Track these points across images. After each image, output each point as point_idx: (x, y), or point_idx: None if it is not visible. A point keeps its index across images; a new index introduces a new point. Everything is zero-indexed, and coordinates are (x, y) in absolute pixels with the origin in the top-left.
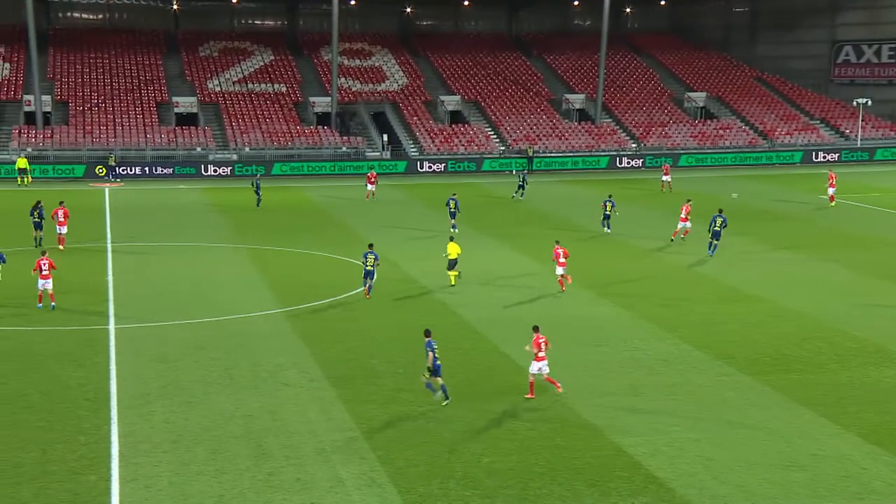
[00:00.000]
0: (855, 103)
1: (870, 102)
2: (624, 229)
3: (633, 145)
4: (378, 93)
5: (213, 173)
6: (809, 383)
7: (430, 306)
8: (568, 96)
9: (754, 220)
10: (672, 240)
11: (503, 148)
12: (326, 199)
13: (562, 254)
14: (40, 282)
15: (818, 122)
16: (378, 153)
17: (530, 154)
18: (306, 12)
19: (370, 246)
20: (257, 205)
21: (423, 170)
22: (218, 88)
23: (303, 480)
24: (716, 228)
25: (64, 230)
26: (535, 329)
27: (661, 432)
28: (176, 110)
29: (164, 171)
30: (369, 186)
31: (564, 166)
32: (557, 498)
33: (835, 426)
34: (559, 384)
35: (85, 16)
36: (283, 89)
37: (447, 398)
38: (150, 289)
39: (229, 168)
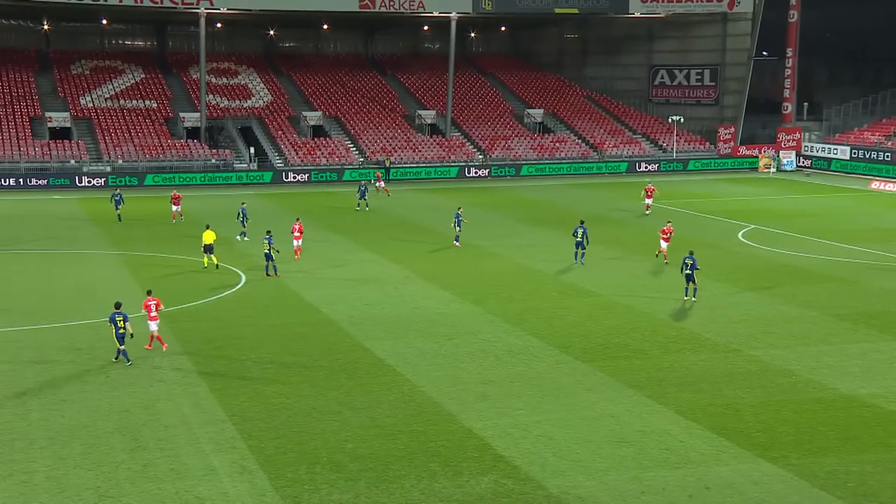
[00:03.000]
0: (670, 120)
1: (682, 119)
2: (475, 234)
3: (480, 157)
4: (244, 109)
5: (87, 184)
6: (635, 368)
7: (297, 306)
8: (420, 112)
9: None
10: (657, 255)
11: (362, 159)
12: (198, 209)
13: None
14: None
15: (640, 136)
16: (245, 165)
17: (387, 165)
18: (175, 33)
19: (268, 232)
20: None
21: (288, 180)
22: (91, 104)
23: (177, 470)
24: (577, 239)
25: None
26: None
27: (507, 416)
28: (49, 125)
29: (39, 182)
30: (175, 207)
31: (418, 176)
32: (414, 478)
33: (657, 405)
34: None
35: None
36: (154, 105)
37: (127, 360)
38: (26, 293)
39: (103, 179)
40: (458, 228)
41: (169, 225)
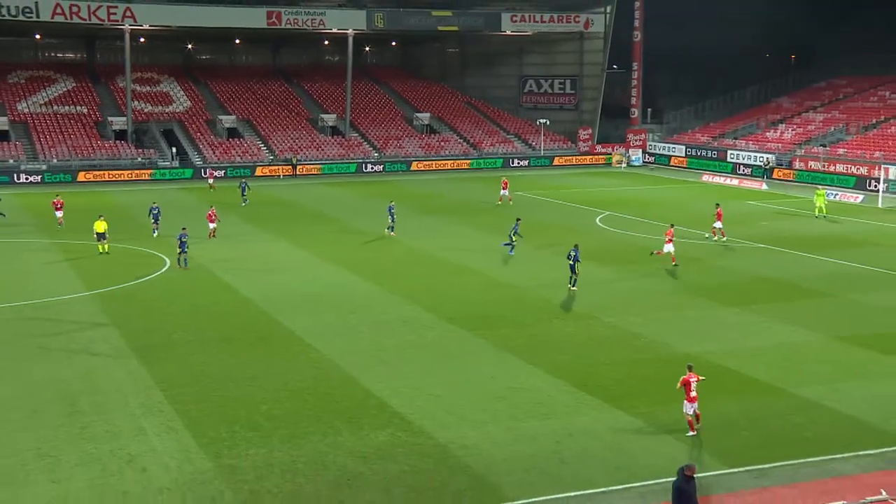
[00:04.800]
0: (538, 123)
1: (548, 122)
2: (373, 222)
3: (375, 154)
4: (166, 113)
5: (24, 181)
6: (512, 336)
7: (217, 287)
8: (322, 116)
9: (469, 213)
10: (652, 254)
11: (272, 157)
12: (126, 202)
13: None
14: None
15: (513, 136)
16: (168, 162)
17: (294, 162)
18: (102, 46)
19: (183, 229)
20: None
21: (206, 176)
22: (27, 110)
23: (111, 432)
24: (512, 233)
25: None
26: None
27: (401, 378)
28: None
29: None
30: (58, 214)
31: (321, 171)
32: (321, 434)
33: (529, 366)
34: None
35: None
36: (85, 111)
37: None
38: None
39: (39, 176)
40: (391, 220)
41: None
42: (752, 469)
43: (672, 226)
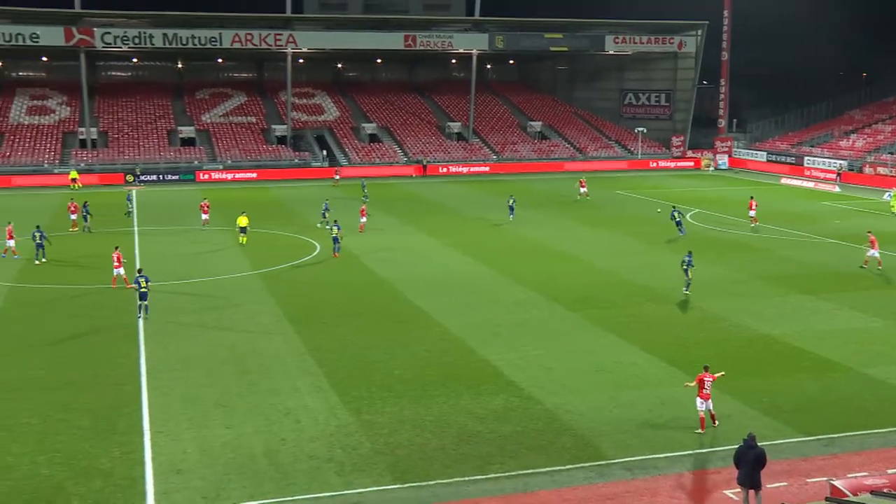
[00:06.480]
0: (636, 131)
1: (645, 130)
2: (488, 213)
3: (494, 157)
4: (319, 122)
5: (205, 179)
6: (611, 316)
7: (358, 270)
8: (449, 123)
9: (576, 207)
10: (752, 225)
11: (406, 158)
12: (285, 196)
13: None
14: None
15: (613, 142)
16: (319, 163)
17: (424, 164)
18: (269, 67)
19: (335, 221)
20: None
21: (336, 173)
22: (209, 120)
23: (272, 389)
24: (677, 219)
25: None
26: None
27: (514, 350)
28: (180, 135)
29: (172, 177)
30: (204, 217)
31: (448, 170)
32: (445, 396)
33: (626, 343)
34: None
35: (119, 73)
36: (254, 120)
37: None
38: (168, 258)
39: (219, 174)
40: (510, 212)
41: (266, 207)
42: (822, 438)
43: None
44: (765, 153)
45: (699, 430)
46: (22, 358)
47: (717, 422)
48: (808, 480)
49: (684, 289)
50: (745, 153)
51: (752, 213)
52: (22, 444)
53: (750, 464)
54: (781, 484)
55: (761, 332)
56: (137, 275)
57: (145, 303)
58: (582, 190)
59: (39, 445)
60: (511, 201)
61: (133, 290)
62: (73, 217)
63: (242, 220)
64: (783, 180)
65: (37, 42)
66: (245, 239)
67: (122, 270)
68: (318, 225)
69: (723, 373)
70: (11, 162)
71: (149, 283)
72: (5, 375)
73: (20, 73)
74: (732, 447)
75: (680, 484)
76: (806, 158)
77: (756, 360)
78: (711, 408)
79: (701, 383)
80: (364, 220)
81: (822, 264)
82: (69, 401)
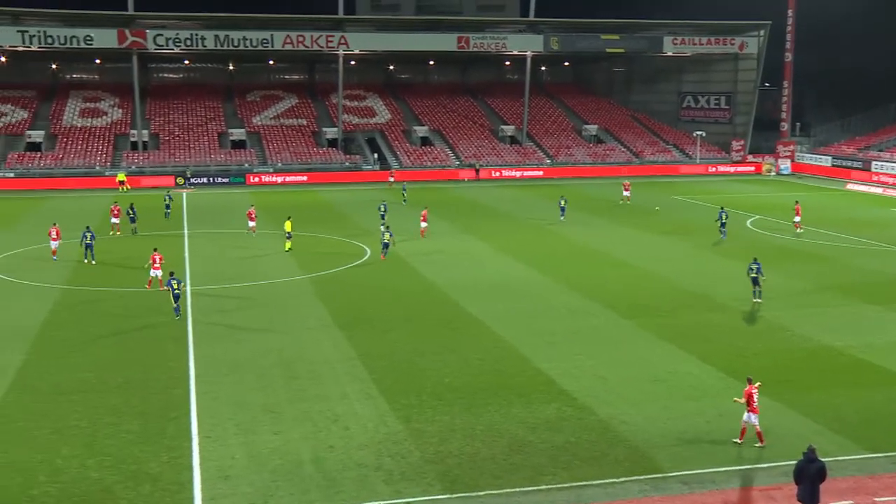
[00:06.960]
0: (694, 134)
1: (704, 134)
2: (546, 219)
3: (548, 161)
4: (370, 124)
5: (255, 181)
6: (667, 324)
7: (408, 274)
8: (503, 127)
9: (629, 213)
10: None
11: (458, 162)
12: (335, 199)
13: None
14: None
15: (671, 146)
16: (370, 166)
17: (477, 167)
18: (320, 69)
19: (388, 227)
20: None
21: (390, 175)
22: (260, 122)
23: (321, 395)
24: (723, 220)
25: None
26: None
27: (568, 360)
28: (231, 138)
29: (222, 180)
30: (251, 224)
31: (500, 174)
32: (496, 405)
33: (682, 352)
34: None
35: (171, 75)
36: (305, 123)
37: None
38: (217, 261)
39: (269, 177)
40: (562, 214)
41: (315, 210)
42: (891, 455)
43: (797, 200)
44: (829, 157)
45: (737, 440)
46: (72, 360)
47: (763, 441)
48: (876, 499)
49: (754, 297)
50: (809, 158)
51: (797, 218)
52: (72, 446)
53: (810, 479)
54: (847, 502)
55: (824, 343)
56: (170, 277)
57: (177, 304)
58: (625, 193)
59: (89, 449)
60: (562, 202)
61: (166, 291)
62: (114, 220)
63: (287, 225)
64: (849, 186)
65: (90, 44)
66: (289, 244)
67: (159, 272)
68: (382, 228)
69: (759, 383)
70: (64, 164)
71: (181, 286)
72: (56, 378)
73: (73, 76)
74: (792, 462)
75: (738, 499)
76: (874, 163)
77: (819, 372)
78: (757, 423)
79: (750, 398)
80: (425, 224)
81: (891, 273)
82: (119, 404)
